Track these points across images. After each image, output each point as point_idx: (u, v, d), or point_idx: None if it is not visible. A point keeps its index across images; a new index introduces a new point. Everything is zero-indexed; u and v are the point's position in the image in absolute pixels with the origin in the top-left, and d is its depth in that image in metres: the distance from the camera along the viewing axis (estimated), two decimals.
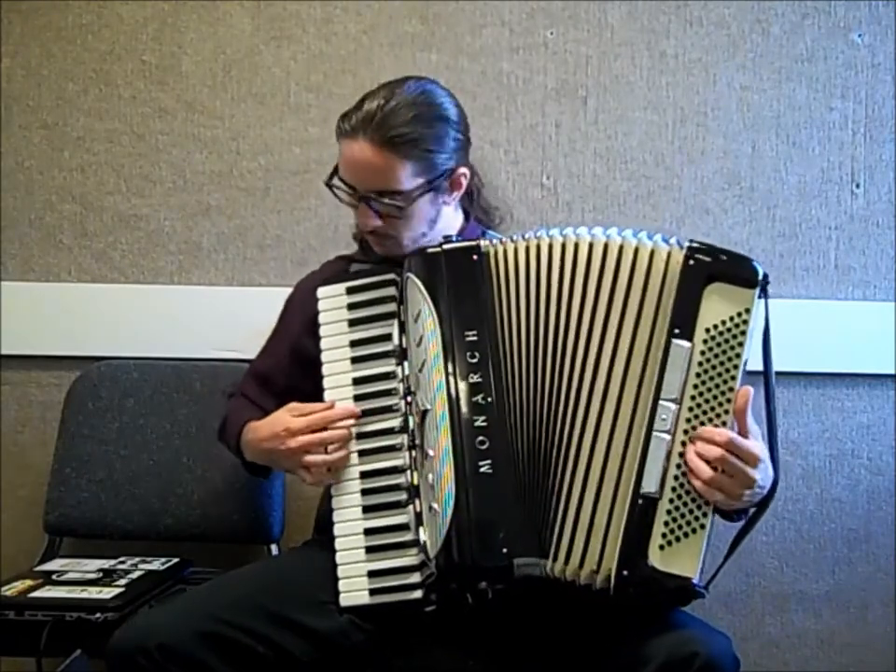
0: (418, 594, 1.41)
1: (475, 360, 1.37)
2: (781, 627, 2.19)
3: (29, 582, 1.75)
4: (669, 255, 1.35)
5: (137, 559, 1.92)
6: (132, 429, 2.05)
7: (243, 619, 1.37)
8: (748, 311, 1.30)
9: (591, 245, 1.39)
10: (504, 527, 1.34)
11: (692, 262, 1.33)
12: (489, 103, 2.15)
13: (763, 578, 2.18)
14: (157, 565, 1.89)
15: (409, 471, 1.43)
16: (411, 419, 1.43)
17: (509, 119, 2.16)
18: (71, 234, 2.18)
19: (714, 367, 1.30)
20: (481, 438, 1.36)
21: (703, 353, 1.30)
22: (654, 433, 1.30)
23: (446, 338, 1.39)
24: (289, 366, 1.66)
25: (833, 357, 2.15)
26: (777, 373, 2.12)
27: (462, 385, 1.37)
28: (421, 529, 1.40)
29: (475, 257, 1.42)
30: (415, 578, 1.41)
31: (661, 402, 1.30)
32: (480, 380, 1.37)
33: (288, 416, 1.50)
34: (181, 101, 2.17)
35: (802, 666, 2.18)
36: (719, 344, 1.30)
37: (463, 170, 1.57)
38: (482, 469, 1.35)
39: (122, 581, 1.76)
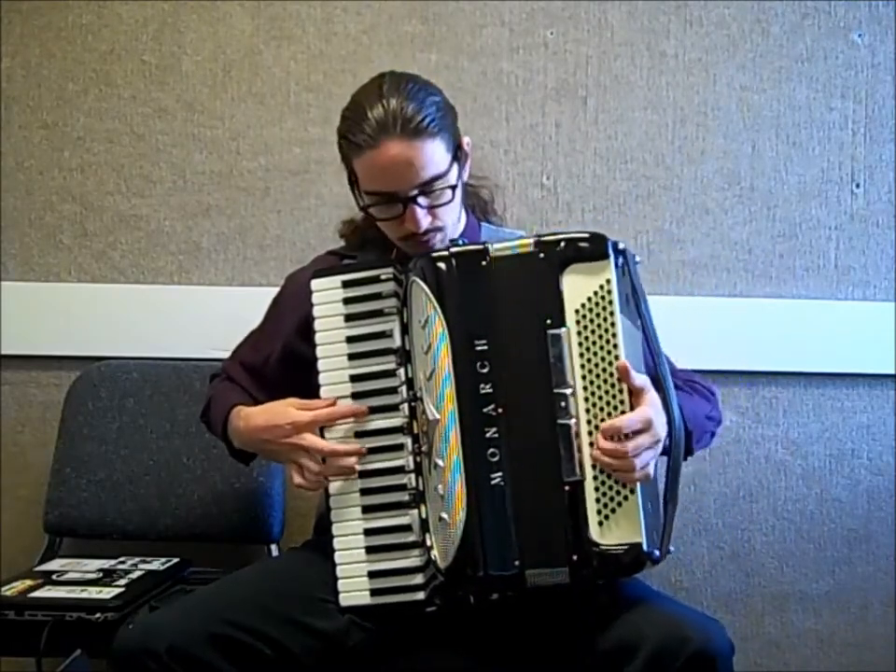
0: (421, 595, 1.41)
1: (485, 371, 1.36)
2: (781, 627, 2.19)
3: (29, 582, 1.75)
4: (528, 254, 1.36)
5: (137, 559, 1.92)
6: (132, 429, 2.06)
7: (251, 620, 1.37)
8: (608, 281, 1.32)
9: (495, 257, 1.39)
10: (516, 539, 1.34)
11: (542, 256, 1.35)
12: (489, 103, 2.15)
13: (762, 578, 2.18)
14: (157, 565, 1.89)
15: (413, 475, 1.42)
16: (415, 423, 1.41)
17: (509, 119, 2.16)
18: (71, 234, 2.18)
19: (595, 342, 1.32)
20: (492, 450, 1.35)
21: (579, 333, 1.33)
22: (559, 422, 1.32)
23: (456, 348, 1.36)
24: (280, 363, 1.63)
25: (833, 357, 2.15)
26: (777, 373, 2.17)
27: (472, 397, 1.36)
28: (427, 536, 1.39)
29: (484, 262, 1.38)
30: (419, 579, 1.41)
31: (555, 391, 1.33)
32: (490, 391, 1.36)
33: (293, 410, 1.46)
34: (181, 101, 2.17)
35: (802, 666, 2.18)
36: (592, 321, 1.33)
37: (466, 138, 1.57)
38: (493, 482, 1.34)
39: (122, 581, 1.76)
